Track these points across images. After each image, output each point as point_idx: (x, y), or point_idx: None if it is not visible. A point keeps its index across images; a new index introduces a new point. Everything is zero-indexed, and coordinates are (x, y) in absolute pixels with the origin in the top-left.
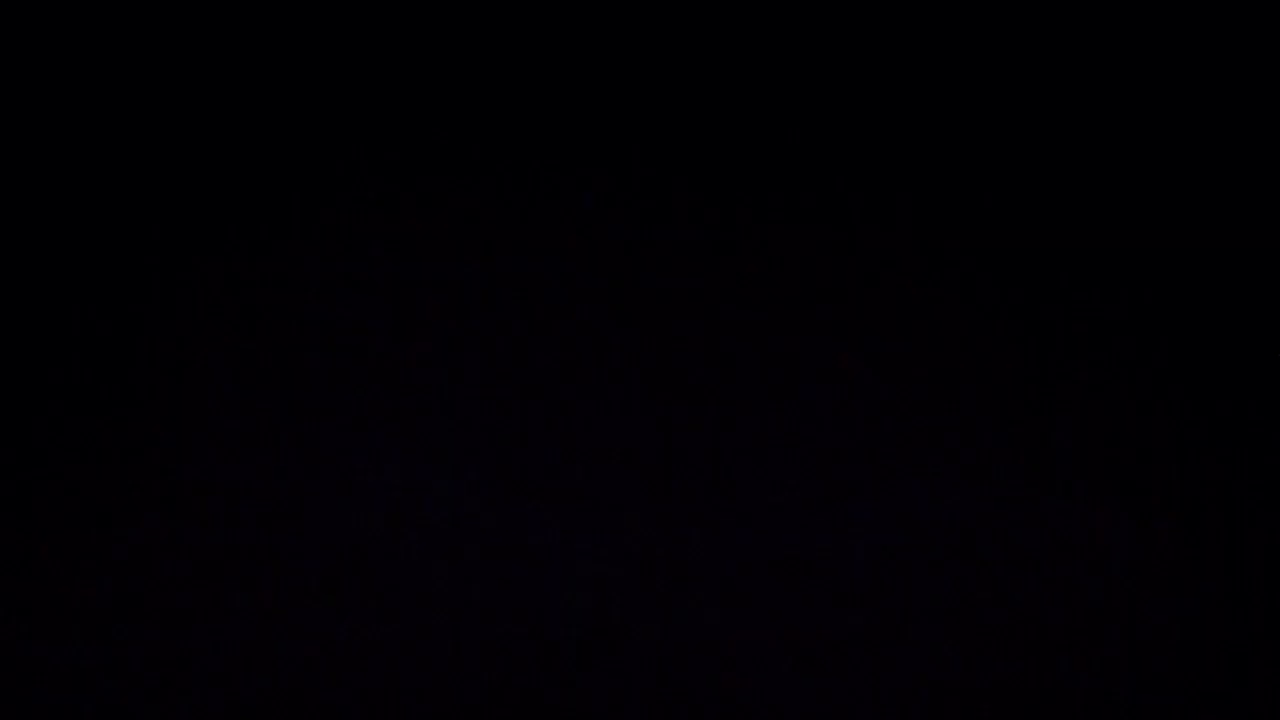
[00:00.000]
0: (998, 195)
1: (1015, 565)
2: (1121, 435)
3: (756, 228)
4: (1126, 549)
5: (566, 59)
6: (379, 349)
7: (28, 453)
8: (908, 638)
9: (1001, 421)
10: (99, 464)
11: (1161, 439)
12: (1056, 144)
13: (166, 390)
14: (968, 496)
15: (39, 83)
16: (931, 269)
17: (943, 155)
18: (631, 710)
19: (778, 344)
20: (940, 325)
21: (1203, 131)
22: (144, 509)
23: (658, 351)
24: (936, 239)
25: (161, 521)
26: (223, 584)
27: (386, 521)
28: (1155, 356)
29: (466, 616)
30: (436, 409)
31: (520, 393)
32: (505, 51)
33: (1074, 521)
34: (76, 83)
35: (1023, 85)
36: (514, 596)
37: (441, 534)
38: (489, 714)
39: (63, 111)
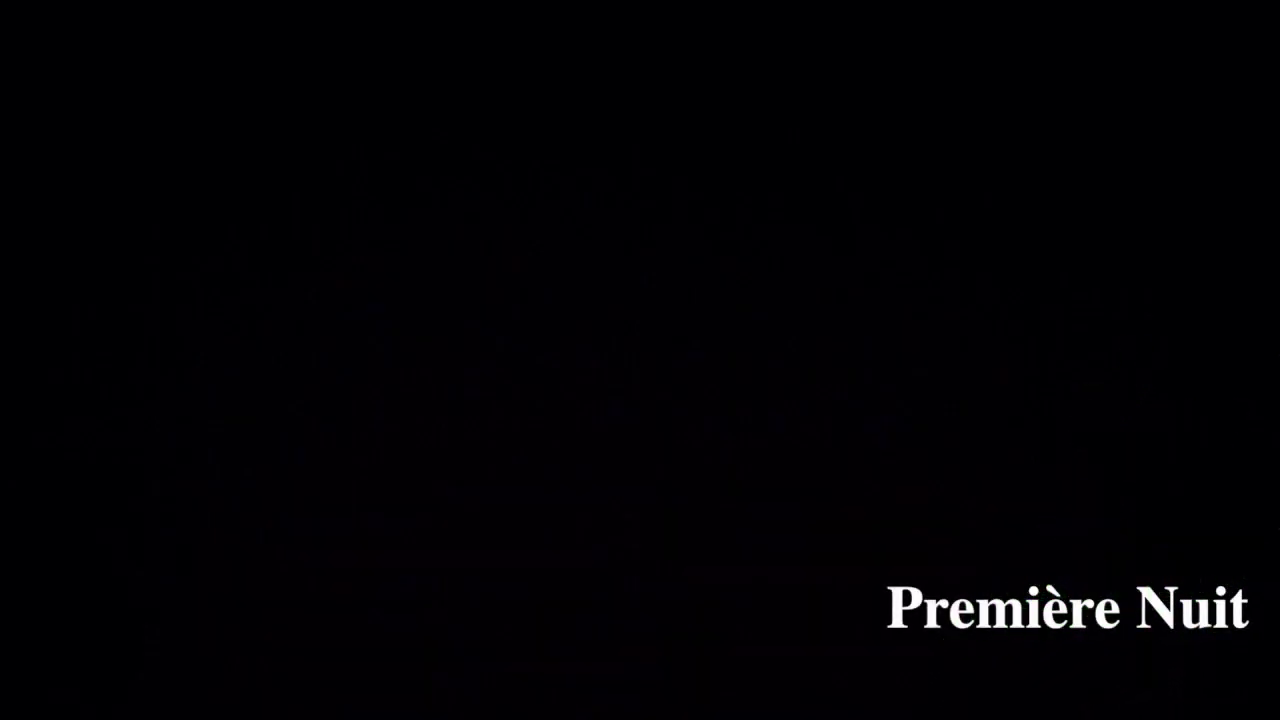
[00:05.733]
0: (998, 195)
1: (1014, 564)
2: (1121, 436)
3: (757, 228)
4: (1126, 549)
5: (566, 59)
6: (379, 349)
7: (28, 452)
8: (909, 637)
9: (1002, 423)
10: (99, 464)
11: (1161, 439)
12: (1057, 144)
13: (166, 390)
14: (968, 497)
15: (39, 82)
16: (932, 269)
17: (943, 155)
18: (631, 708)
19: (777, 344)
20: (940, 325)
21: (1202, 131)
22: (144, 509)
23: (657, 351)
24: (937, 239)
25: (161, 522)
26: (222, 584)
27: (387, 521)
28: (1155, 356)
29: (467, 617)
30: (436, 409)
31: (520, 393)
32: (505, 51)
33: (1073, 522)
34: (76, 82)
35: (1023, 85)
36: (514, 597)
37: (442, 534)
38: (489, 714)
39: (62, 111)
